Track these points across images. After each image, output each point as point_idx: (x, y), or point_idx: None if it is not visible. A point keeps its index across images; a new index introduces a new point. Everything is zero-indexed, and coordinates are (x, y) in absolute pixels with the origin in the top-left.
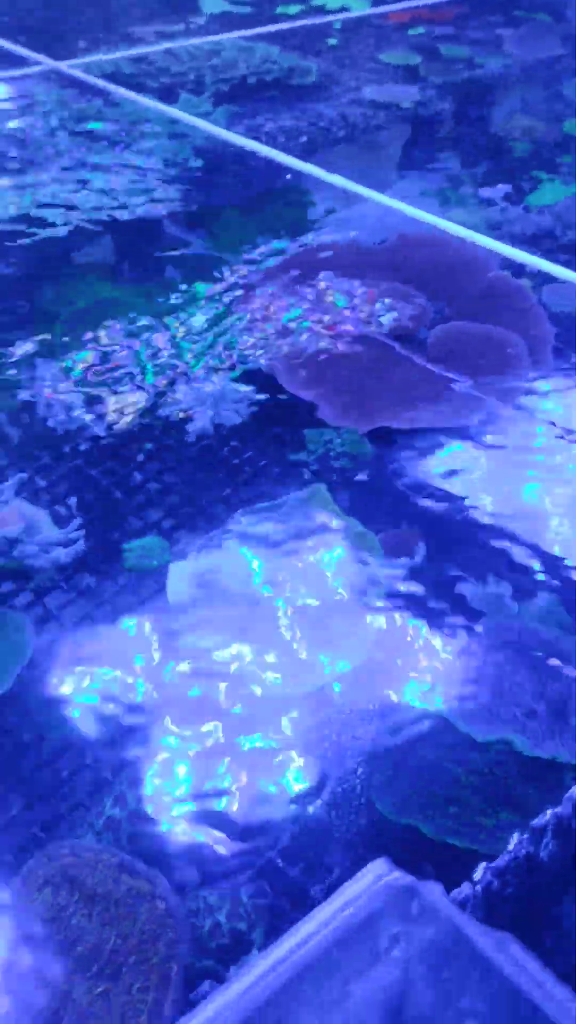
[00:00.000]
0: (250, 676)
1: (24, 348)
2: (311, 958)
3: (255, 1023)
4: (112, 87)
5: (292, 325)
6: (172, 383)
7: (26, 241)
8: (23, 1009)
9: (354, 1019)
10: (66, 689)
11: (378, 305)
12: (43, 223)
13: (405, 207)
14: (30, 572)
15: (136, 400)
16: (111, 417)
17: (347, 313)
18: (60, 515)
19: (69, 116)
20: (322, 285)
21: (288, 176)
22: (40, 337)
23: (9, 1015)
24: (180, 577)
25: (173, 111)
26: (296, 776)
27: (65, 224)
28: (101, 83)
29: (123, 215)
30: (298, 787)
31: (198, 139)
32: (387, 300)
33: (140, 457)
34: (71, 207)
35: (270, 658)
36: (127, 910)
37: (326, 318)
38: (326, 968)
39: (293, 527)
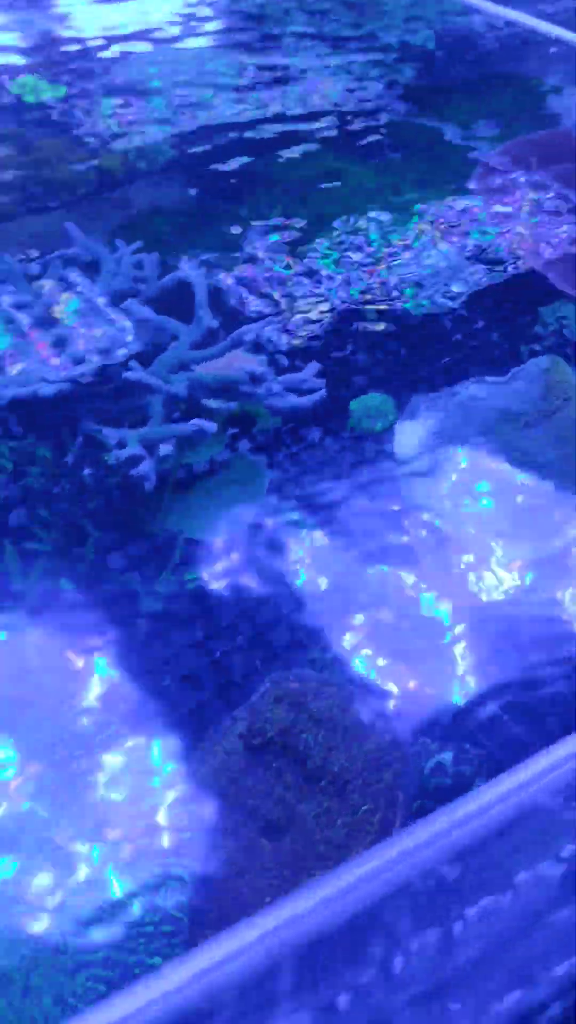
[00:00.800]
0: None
1: (257, 220)
2: None
3: None
4: None
5: (528, 204)
6: (394, 255)
7: (260, 118)
8: (249, 815)
9: None
10: (292, 535)
11: None
12: (279, 101)
13: None
14: (264, 414)
15: (363, 270)
16: (338, 286)
17: None
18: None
19: None
20: (562, 166)
21: (553, 50)
22: (276, 210)
23: (236, 820)
24: (408, 435)
25: None
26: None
27: (297, 102)
28: None
29: (356, 95)
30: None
31: (434, 22)
32: None
33: (367, 325)
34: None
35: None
36: (354, 737)
37: (561, 199)
38: None
39: (524, 397)
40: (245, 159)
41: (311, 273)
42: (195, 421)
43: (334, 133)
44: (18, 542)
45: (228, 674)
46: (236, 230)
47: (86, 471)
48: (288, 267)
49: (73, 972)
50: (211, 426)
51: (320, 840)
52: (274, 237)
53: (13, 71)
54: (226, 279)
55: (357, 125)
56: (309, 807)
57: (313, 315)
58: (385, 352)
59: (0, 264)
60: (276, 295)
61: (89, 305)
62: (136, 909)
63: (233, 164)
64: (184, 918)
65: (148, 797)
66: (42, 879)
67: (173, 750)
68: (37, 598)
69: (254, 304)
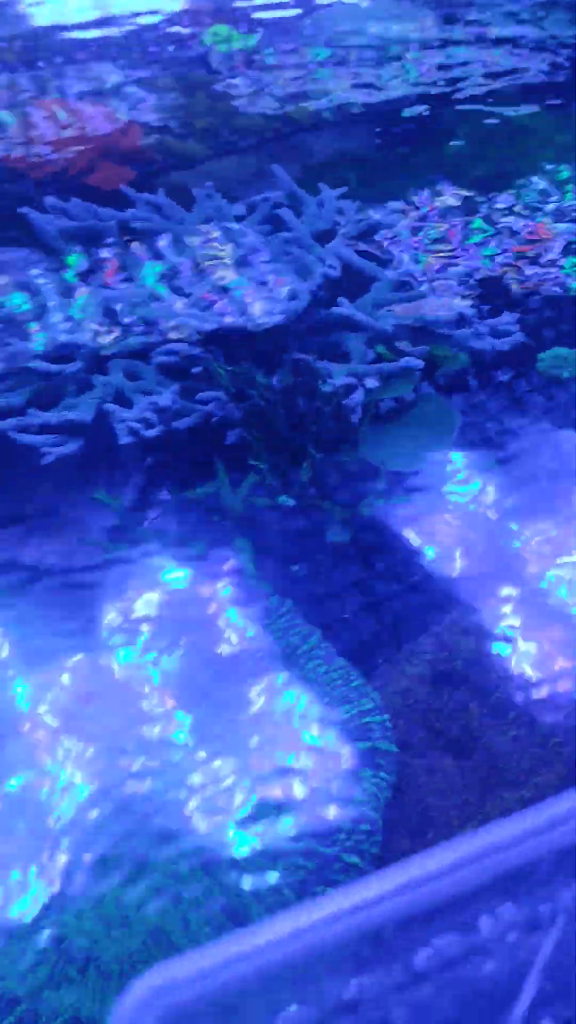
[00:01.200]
0: None
1: (435, 174)
2: None
3: None
4: None
5: None
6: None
7: (445, 75)
8: (434, 735)
9: None
10: (476, 477)
11: None
12: (465, 58)
13: None
14: (452, 357)
15: (543, 226)
16: (518, 240)
17: None
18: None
19: None
20: None
21: None
22: (455, 164)
23: (423, 740)
24: None
25: None
26: None
27: (482, 59)
28: None
29: (548, 53)
30: None
31: None
32: None
33: (549, 282)
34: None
35: None
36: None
37: None
38: None
39: None
40: (427, 113)
41: (490, 226)
42: (406, 359)
43: (518, 91)
44: (232, 460)
45: (407, 605)
46: (414, 182)
47: (299, 399)
48: (467, 220)
49: (274, 859)
50: (418, 363)
51: (510, 766)
52: (451, 189)
53: (206, 21)
54: (403, 228)
55: (546, 83)
56: (496, 734)
57: (489, 269)
58: (574, 308)
59: (210, 203)
60: (453, 247)
61: (297, 244)
62: (333, 810)
63: (415, 118)
64: (379, 819)
65: (337, 709)
66: (244, 780)
67: (359, 671)
68: (243, 516)
69: (429, 256)
